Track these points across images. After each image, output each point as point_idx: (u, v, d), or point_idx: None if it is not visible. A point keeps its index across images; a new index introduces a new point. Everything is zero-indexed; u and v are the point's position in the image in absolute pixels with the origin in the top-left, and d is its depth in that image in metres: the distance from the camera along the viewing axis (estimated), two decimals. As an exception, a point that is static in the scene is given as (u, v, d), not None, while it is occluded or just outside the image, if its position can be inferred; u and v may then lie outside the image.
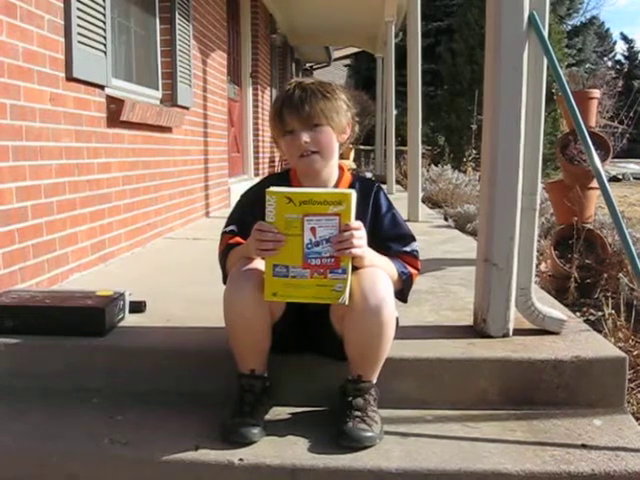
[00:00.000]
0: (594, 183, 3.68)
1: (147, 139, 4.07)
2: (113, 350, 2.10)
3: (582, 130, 2.08)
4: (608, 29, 36.15)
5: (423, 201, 6.81)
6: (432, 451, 1.68)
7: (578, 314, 3.12)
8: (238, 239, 1.86)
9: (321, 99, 1.82)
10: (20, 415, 1.90)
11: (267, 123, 2.02)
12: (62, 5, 2.93)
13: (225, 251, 1.88)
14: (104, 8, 3.31)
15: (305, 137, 1.81)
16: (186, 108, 4.89)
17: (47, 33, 2.81)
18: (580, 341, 2.10)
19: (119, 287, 2.39)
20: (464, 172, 9.67)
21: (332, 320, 1.82)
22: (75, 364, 2.08)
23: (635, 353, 2.45)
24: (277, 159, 9.56)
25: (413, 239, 1.96)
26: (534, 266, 2.23)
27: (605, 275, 3.66)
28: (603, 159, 3.70)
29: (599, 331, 2.36)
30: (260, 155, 8.46)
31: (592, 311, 3.42)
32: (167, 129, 4.47)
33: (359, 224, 1.67)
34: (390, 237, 1.91)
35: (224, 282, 1.85)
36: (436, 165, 10.19)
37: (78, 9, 3.02)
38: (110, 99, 3.45)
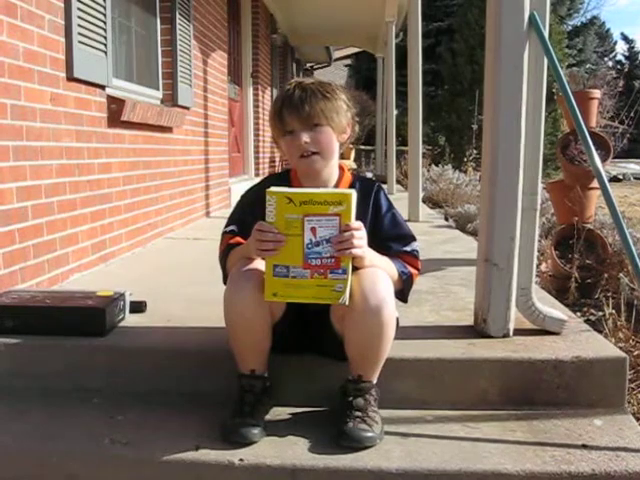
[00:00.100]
0: (595, 183, 3.67)
1: (148, 139, 4.07)
2: (113, 350, 2.10)
3: (583, 130, 2.08)
4: (609, 29, 36.21)
5: (424, 201, 6.81)
6: (432, 451, 1.68)
7: (578, 314, 3.12)
8: (238, 239, 1.86)
9: (321, 99, 1.82)
10: (20, 415, 1.90)
11: (267, 123, 2.02)
12: (63, 5, 2.93)
13: (225, 251, 1.88)
14: (105, 8, 3.31)
15: (305, 137, 1.81)
16: (187, 108, 4.89)
17: (48, 33, 2.81)
18: (581, 341, 2.10)
19: (119, 287, 2.39)
20: (465, 172, 9.67)
21: (332, 320, 1.82)
22: (75, 364, 2.08)
23: (635, 353, 2.45)
24: (277, 159, 9.56)
25: (413, 239, 1.96)
26: (534, 266, 2.23)
27: (605, 275, 3.66)
28: (604, 159, 3.70)
29: (599, 331, 2.36)
30: (260, 155, 8.46)
31: (592, 311, 3.41)
32: (168, 129, 4.47)
33: (359, 224, 1.67)
34: (390, 237, 1.91)
35: (224, 282, 1.85)
36: (437, 165, 10.19)
37: (79, 9, 3.02)
38: (111, 99, 3.45)
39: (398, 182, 8.62)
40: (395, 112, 8.05)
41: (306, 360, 1.97)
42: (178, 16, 4.63)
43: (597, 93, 3.96)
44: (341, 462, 1.62)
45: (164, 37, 4.60)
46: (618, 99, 4.51)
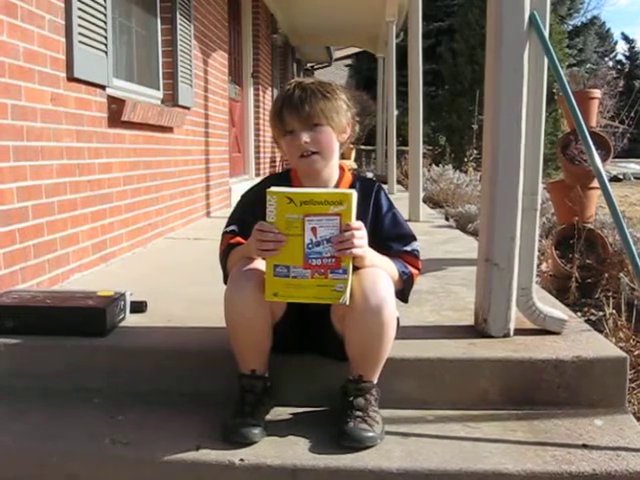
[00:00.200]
0: (595, 183, 3.67)
1: (148, 139, 4.07)
2: (114, 350, 2.10)
3: (583, 130, 2.08)
4: (609, 29, 36.19)
5: (424, 201, 6.81)
6: (433, 451, 1.68)
7: (579, 314, 3.12)
8: (239, 239, 1.86)
9: (321, 99, 1.82)
10: (20, 415, 1.90)
11: (268, 123, 2.02)
12: (63, 5, 2.93)
13: (226, 251, 1.88)
14: (105, 8, 3.31)
15: (305, 137, 1.81)
16: (187, 108, 4.89)
17: (48, 33, 2.81)
18: (581, 341, 2.10)
19: (120, 287, 2.39)
20: (465, 172, 9.66)
21: (333, 320, 1.82)
22: (76, 364, 2.08)
23: (636, 353, 2.44)
24: (278, 159, 9.57)
25: (414, 239, 1.96)
26: (535, 266, 2.23)
27: (606, 275, 3.66)
28: (604, 159, 3.69)
29: (600, 331, 2.36)
30: (261, 155, 8.47)
31: (593, 311, 3.41)
32: (168, 129, 4.47)
33: (360, 224, 1.67)
34: (391, 237, 1.91)
35: (225, 282, 1.85)
36: (437, 165, 10.19)
37: (79, 9, 3.03)
38: (111, 99, 3.45)
39: (399, 182, 8.62)
40: (395, 112, 8.05)
41: (307, 360, 1.97)
42: (179, 16, 4.63)
43: (597, 93, 3.96)
44: (342, 462, 1.62)
45: (165, 37, 4.60)
46: (618, 99, 4.51)
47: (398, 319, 1.81)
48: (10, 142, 2.53)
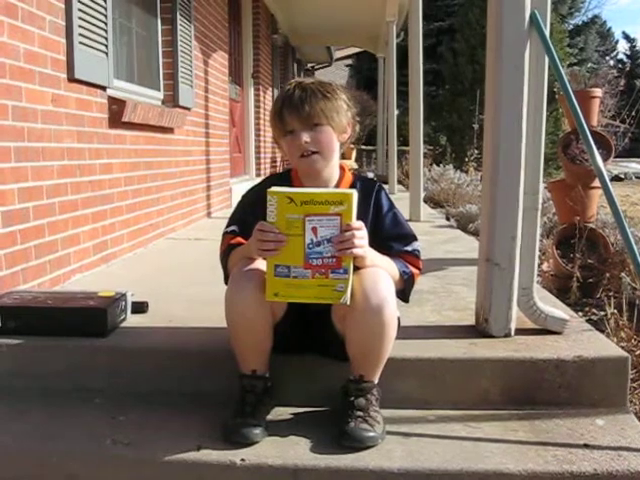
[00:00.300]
0: (596, 182, 3.67)
1: (149, 140, 4.07)
2: (115, 350, 2.10)
3: (584, 129, 2.08)
4: (610, 28, 36.22)
5: (425, 201, 6.81)
6: (434, 451, 1.68)
7: (580, 314, 3.12)
8: (239, 239, 1.86)
9: (321, 99, 1.82)
10: (20, 415, 1.90)
11: (268, 123, 2.02)
12: (63, 6, 2.94)
13: (226, 251, 1.88)
14: (105, 9, 3.31)
15: (305, 137, 1.81)
16: (188, 109, 4.89)
17: (48, 34, 2.81)
18: (582, 341, 2.10)
19: (121, 288, 2.39)
20: (466, 172, 9.66)
21: (333, 320, 1.81)
22: (77, 365, 2.08)
23: (637, 353, 2.44)
24: (279, 159, 9.57)
25: (415, 238, 1.96)
26: (536, 266, 2.23)
27: (607, 274, 3.66)
28: (605, 158, 3.69)
29: (601, 331, 2.35)
30: (262, 155, 8.47)
31: (594, 311, 3.41)
32: (169, 130, 4.47)
33: (360, 224, 1.67)
34: (391, 236, 1.91)
35: (226, 282, 1.85)
36: (438, 165, 10.20)
37: (79, 10, 3.03)
38: (112, 100, 3.45)
39: (399, 182, 8.63)
40: (396, 112, 8.06)
41: (307, 360, 1.97)
42: (179, 17, 4.64)
43: (598, 92, 3.96)
44: (342, 462, 1.62)
45: (165, 38, 4.60)
46: (619, 98, 4.50)
47: (399, 319, 1.81)
48: (11, 143, 2.53)
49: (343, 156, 2.04)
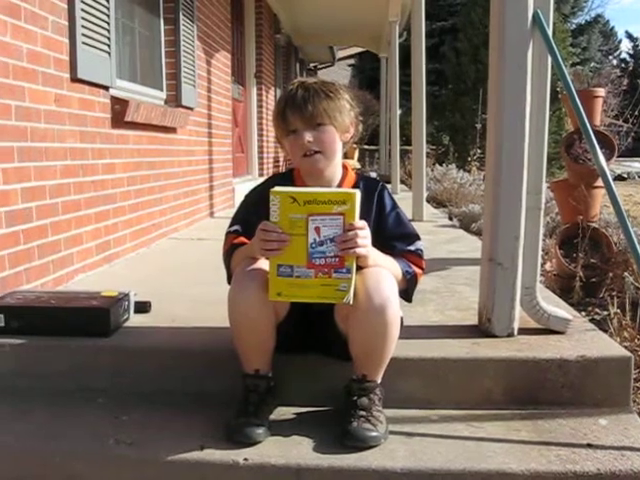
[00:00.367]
0: (599, 182, 3.67)
1: (151, 140, 4.07)
2: (118, 350, 2.10)
3: (587, 129, 2.07)
4: (613, 27, 36.10)
5: (428, 200, 6.80)
6: (437, 451, 1.68)
7: (583, 313, 3.11)
8: (242, 239, 1.86)
9: (324, 98, 1.81)
10: (23, 415, 1.90)
11: (271, 123, 2.02)
12: (66, 6, 2.94)
13: (229, 251, 1.89)
14: (108, 9, 3.32)
15: (308, 137, 1.80)
16: (190, 109, 4.89)
17: (51, 34, 2.82)
18: (585, 340, 2.09)
19: (124, 288, 2.39)
20: (469, 171, 9.65)
21: (336, 320, 1.81)
22: (80, 364, 2.08)
23: (641, 352, 2.44)
24: (281, 159, 9.57)
25: (417, 238, 1.95)
26: (539, 265, 2.23)
27: (610, 274, 3.65)
28: (608, 158, 3.69)
29: (604, 330, 2.35)
30: (264, 155, 8.47)
31: (597, 310, 3.41)
32: (171, 129, 4.47)
33: (363, 224, 1.67)
34: (394, 236, 1.91)
35: (228, 282, 1.85)
36: (440, 164, 10.20)
37: (82, 10, 3.03)
38: (114, 100, 3.45)
39: (402, 182, 8.63)
40: (399, 112, 8.05)
41: (310, 360, 1.97)
42: (182, 17, 4.64)
43: (601, 91, 3.95)
44: (345, 462, 1.62)
45: (168, 38, 4.60)
46: (622, 97, 4.50)
47: (402, 319, 1.81)
48: (14, 143, 2.53)
49: (346, 156, 2.04)
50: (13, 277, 2.53)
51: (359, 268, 1.70)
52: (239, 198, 2.11)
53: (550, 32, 2.08)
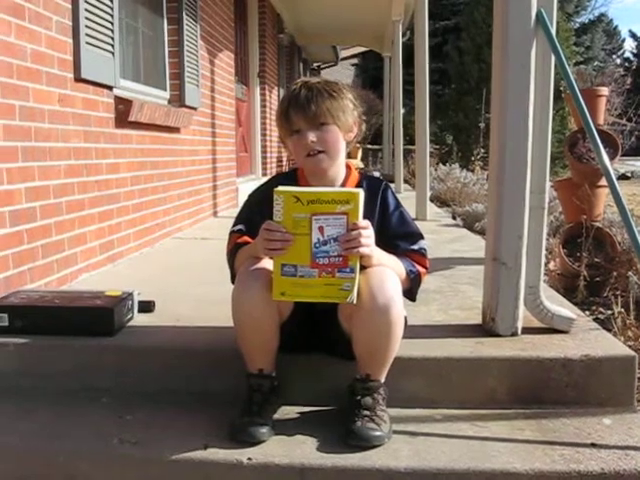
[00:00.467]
0: (603, 181, 3.66)
1: (155, 139, 4.08)
2: (122, 350, 2.10)
3: (590, 128, 2.07)
4: (616, 26, 36.04)
5: (431, 200, 6.80)
6: (441, 450, 1.68)
7: (587, 313, 3.11)
8: (246, 238, 1.87)
9: (327, 98, 1.81)
10: (27, 414, 1.90)
11: (274, 123, 2.02)
12: (70, 6, 2.94)
13: (233, 250, 1.89)
14: (112, 9, 3.32)
15: (311, 136, 1.80)
16: (194, 108, 4.90)
17: (55, 34, 2.82)
18: (589, 340, 2.09)
19: (128, 287, 2.39)
20: (472, 171, 9.64)
21: (340, 319, 1.81)
22: (84, 364, 2.08)
23: (645, 352, 2.43)
24: (285, 159, 9.57)
25: (421, 237, 1.95)
26: (543, 265, 2.23)
27: (614, 273, 3.64)
28: (612, 157, 3.67)
29: (608, 330, 2.35)
30: (268, 155, 8.47)
31: (601, 310, 3.40)
32: (175, 129, 4.48)
33: (367, 223, 1.67)
34: (398, 235, 1.91)
35: (232, 281, 1.85)
36: (444, 164, 10.18)
37: (86, 10, 3.04)
38: (118, 100, 3.46)
39: (406, 181, 8.62)
40: (402, 111, 8.05)
41: (314, 359, 1.97)
42: (185, 16, 4.64)
43: (605, 91, 3.94)
44: (349, 461, 1.62)
45: (171, 37, 4.61)
46: (626, 96, 4.49)
47: (406, 318, 1.81)
48: (18, 143, 2.54)
49: (349, 155, 2.04)
50: (17, 276, 2.53)
51: (363, 267, 1.70)
52: (243, 198, 2.11)
53: (554, 31, 2.08)
